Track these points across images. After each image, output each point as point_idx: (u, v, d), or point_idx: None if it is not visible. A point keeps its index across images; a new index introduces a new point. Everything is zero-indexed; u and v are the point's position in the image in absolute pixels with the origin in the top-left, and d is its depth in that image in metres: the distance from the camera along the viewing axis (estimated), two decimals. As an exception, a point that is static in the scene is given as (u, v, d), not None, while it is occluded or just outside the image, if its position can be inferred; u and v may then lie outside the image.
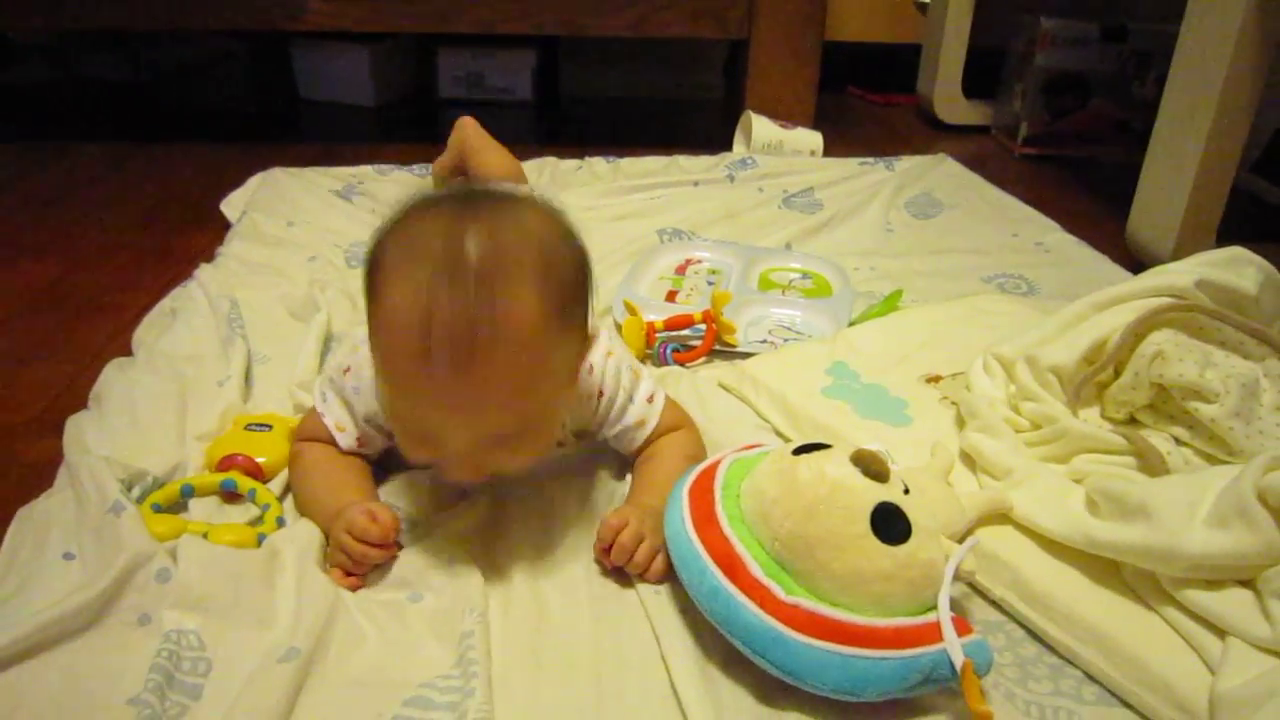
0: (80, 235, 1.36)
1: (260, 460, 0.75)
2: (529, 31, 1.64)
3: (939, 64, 1.95)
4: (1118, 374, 0.79)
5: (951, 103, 1.98)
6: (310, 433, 0.75)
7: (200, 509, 0.73)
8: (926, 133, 2.01)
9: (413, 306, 0.57)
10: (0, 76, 2.21)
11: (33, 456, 0.83)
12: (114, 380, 0.87)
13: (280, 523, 0.69)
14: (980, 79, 1.97)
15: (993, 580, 0.66)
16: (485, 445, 0.63)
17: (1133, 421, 0.80)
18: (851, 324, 1.01)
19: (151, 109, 2.11)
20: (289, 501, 0.74)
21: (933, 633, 0.56)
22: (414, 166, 1.50)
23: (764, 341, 1.00)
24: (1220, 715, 0.53)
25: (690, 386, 0.89)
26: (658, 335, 0.97)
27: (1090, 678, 0.60)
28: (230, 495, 0.73)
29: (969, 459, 0.76)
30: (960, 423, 0.81)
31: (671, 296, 1.13)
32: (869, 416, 0.82)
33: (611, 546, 0.66)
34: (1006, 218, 1.39)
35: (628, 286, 1.13)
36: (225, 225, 1.35)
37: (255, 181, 1.42)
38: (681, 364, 0.95)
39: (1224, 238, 1.21)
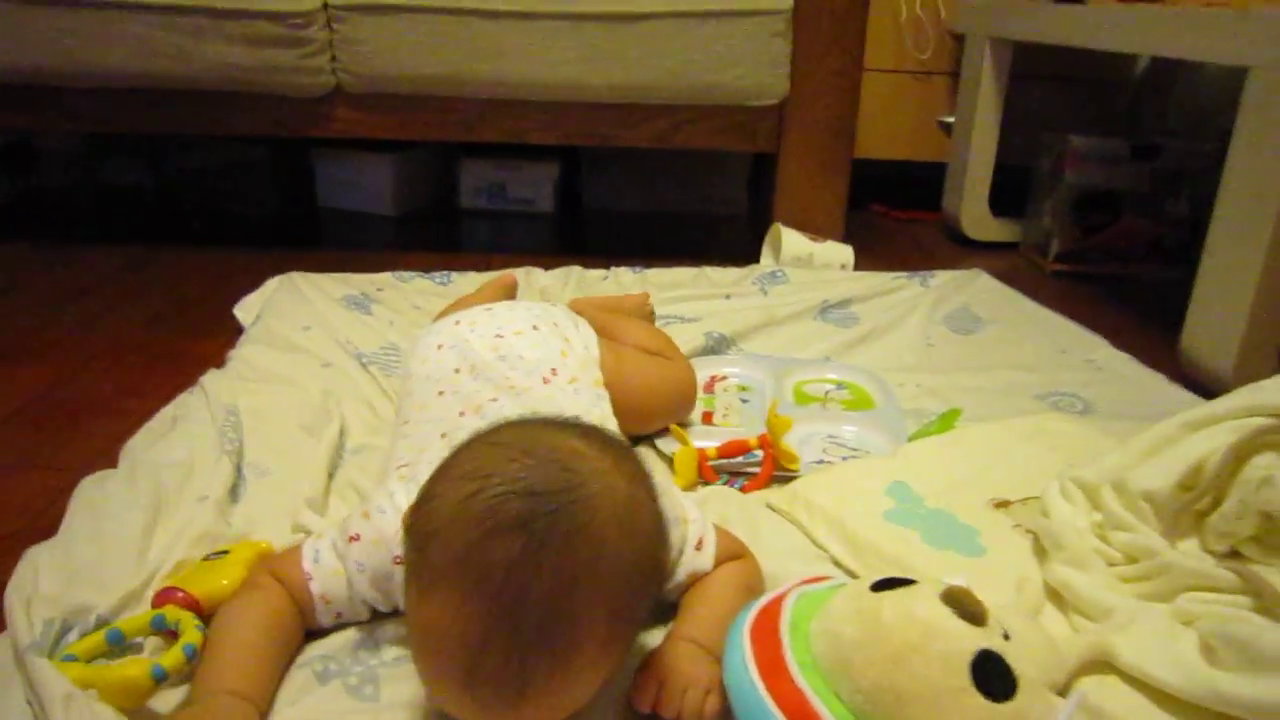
0: (86, 338, 1.31)
1: (209, 589, 0.66)
2: (556, 142, 1.62)
3: (965, 182, 1.93)
4: (1216, 502, 0.71)
5: (979, 220, 1.95)
6: (281, 574, 0.65)
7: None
8: (953, 249, 1.98)
9: (460, 640, 0.50)
10: (22, 182, 2.21)
11: (6, 578, 0.75)
12: (85, 495, 0.79)
13: (188, 653, 0.59)
14: (1006, 196, 1.95)
15: (1100, 741, 0.57)
16: None
17: (1235, 555, 0.71)
18: (907, 441, 0.94)
19: (170, 214, 2.09)
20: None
21: None
22: (435, 274, 1.46)
23: (819, 462, 0.92)
24: None
25: (739, 509, 0.81)
26: (710, 464, 0.90)
27: None
28: (162, 632, 0.64)
29: (1057, 596, 0.68)
30: (1040, 553, 0.73)
31: (708, 418, 1.05)
32: (939, 546, 0.74)
33: (657, 700, 0.57)
34: (1051, 333, 1.33)
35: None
36: (237, 330, 1.30)
37: (272, 285, 1.38)
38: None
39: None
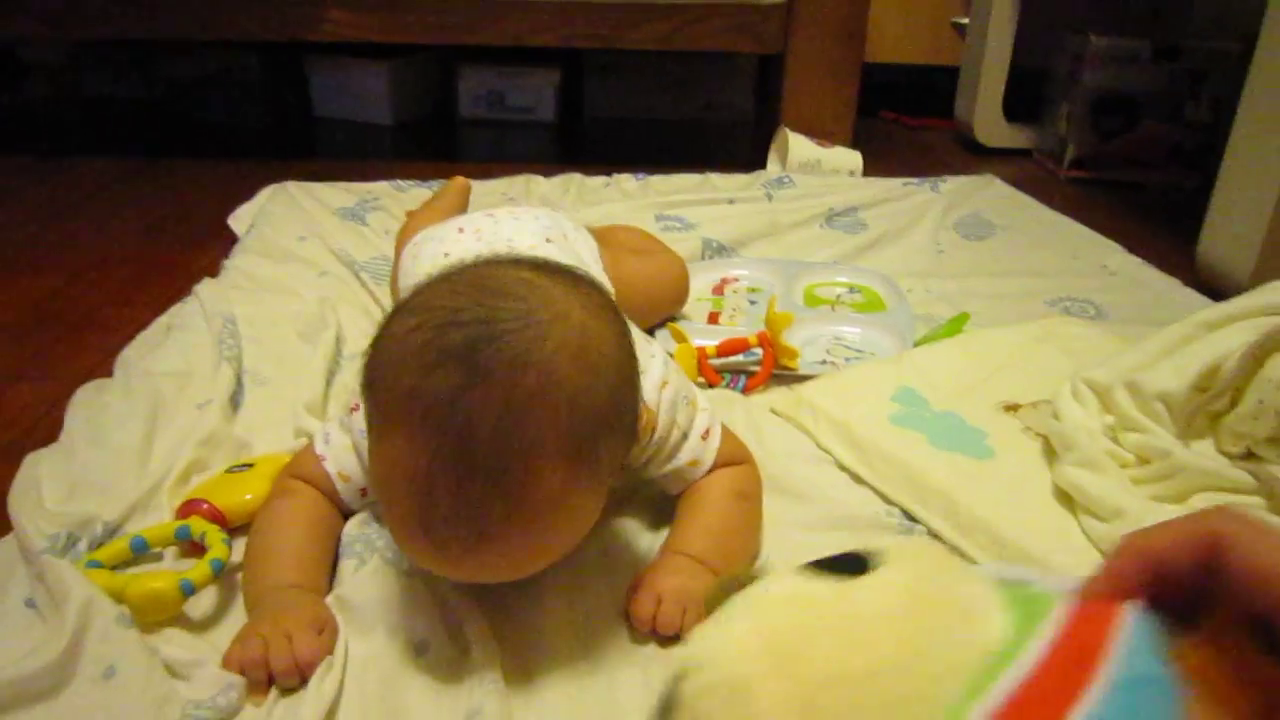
0: (80, 249, 1.29)
1: (232, 502, 0.65)
2: (558, 44, 1.57)
3: (979, 86, 1.87)
4: (1234, 402, 0.69)
5: (992, 125, 1.90)
6: (303, 472, 0.65)
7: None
8: (966, 156, 1.93)
9: (414, 480, 0.48)
10: (8, 95, 2.16)
11: (7, 485, 0.74)
12: (82, 404, 0.78)
13: (215, 567, 0.58)
14: (1020, 101, 1.89)
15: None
16: None
17: (1251, 455, 0.70)
18: (915, 345, 0.92)
19: (161, 125, 2.05)
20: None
21: None
22: (432, 183, 1.42)
23: (824, 363, 0.91)
24: None
25: (743, 412, 0.80)
26: (710, 362, 0.88)
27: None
28: (189, 545, 0.63)
29: (1066, 497, 0.67)
30: (1049, 456, 0.72)
31: (714, 318, 1.04)
32: (946, 448, 0.73)
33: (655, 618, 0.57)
34: (1064, 239, 1.30)
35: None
36: (232, 241, 1.27)
37: (265, 194, 1.35)
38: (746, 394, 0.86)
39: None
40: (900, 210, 1.37)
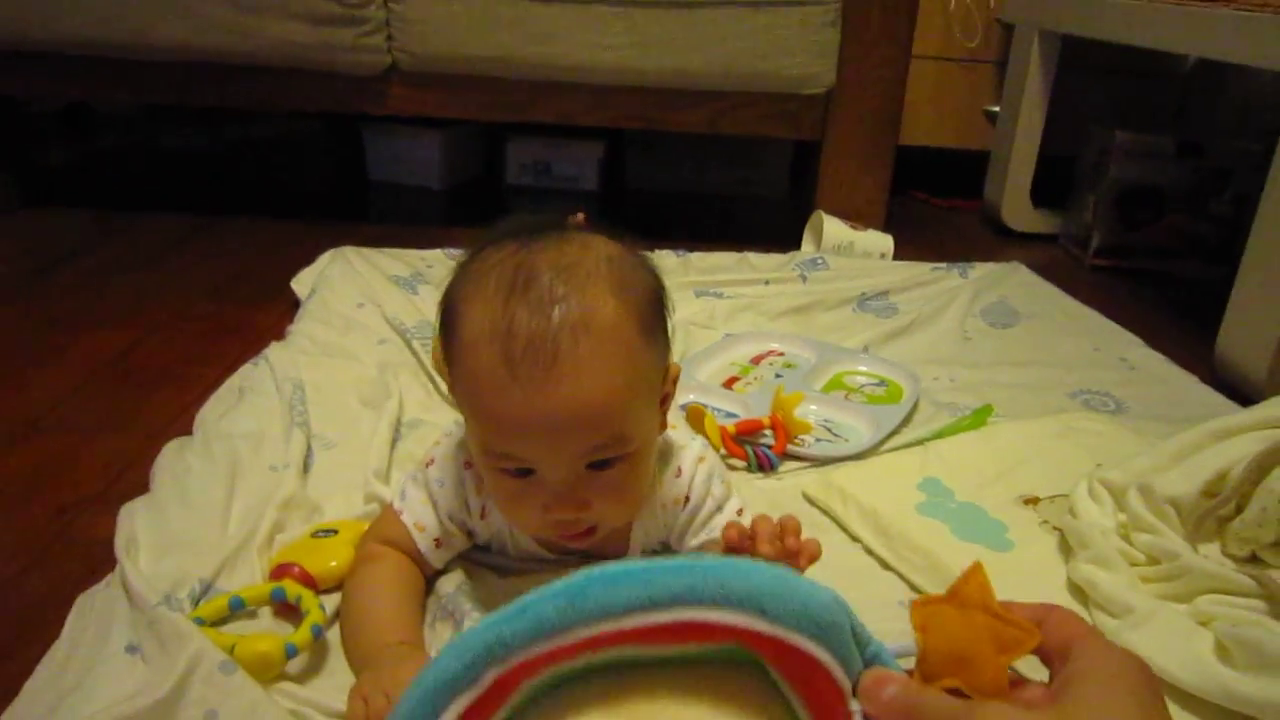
0: (151, 308, 1.37)
1: (321, 569, 0.71)
2: (604, 124, 1.65)
3: (1008, 172, 1.94)
4: (1239, 509, 0.74)
5: (1020, 210, 1.96)
6: (384, 534, 0.72)
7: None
8: (992, 239, 1.98)
9: (491, 321, 0.58)
10: (82, 145, 2.28)
11: (95, 534, 0.80)
12: (168, 462, 0.85)
13: (315, 631, 0.64)
14: (1047, 187, 1.95)
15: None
16: (581, 474, 0.61)
17: (1255, 560, 0.74)
18: (939, 436, 0.97)
19: (225, 182, 2.15)
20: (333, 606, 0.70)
21: None
22: (483, 252, 1.50)
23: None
24: None
25: (769, 500, 0.85)
26: (731, 438, 0.94)
27: None
28: (281, 605, 0.69)
29: (1080, 592, 0.71)
30: (1065, 550, 0.76)
31: (730, 383, 1.11)
32: (968, 540, 0.78)
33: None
34: (1086, 330, 1.35)
35: (688, 369, 1.12)
36: (294, 302, 1.35)
37: (325, 259, 1.42)
38: (775, 457, 0.92)
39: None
40: (930, 295, 1.42)
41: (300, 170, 2.31)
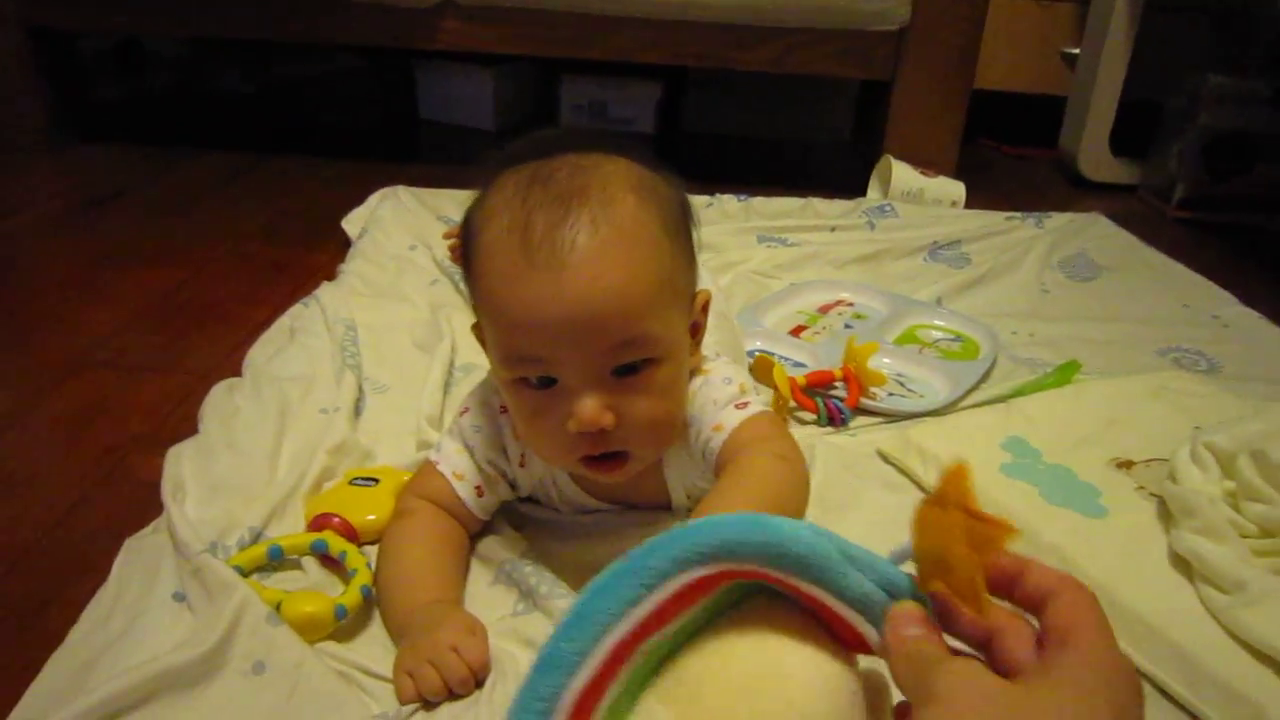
0: (200, 246, 1.34)
1: (359, 521, 0.68)
2: (668, 61, 1.59)
3: (1087, 118, 1.84)
4: (1365, 479, 0.68)
5: (1098, 159, 1.86)
6: (423, 489, 0.68)
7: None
8: (1067, 189, 1.89)
9: (508, 219, 0.56)
10: (132, 82, 2.26)
11: (145, 474, 0.78)
12: (216, 405, 0.83)
13: (365, 593, 0.62)
14: (1127, 135, 1.85)
15: (1225, 714, 0.56)
16: (606, 380, 0.57)
17: (1379, 535, 0.68)
18: (1021, 393, 0.92)
19: (274, 121, 2.12)
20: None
21: None
22: (537, 193, 1.45)
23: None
24: None
25: (841, 458, 0.80)
26: (801, 390, 0.89)
27: None
28: (323, 558, 0.66)
29: (1184, 565, 0.66)
30: (1165, 518, 0.71)
31: (798, 331, 1.07)
32: (1059, 504, 0.73)
33: None
34: (1174, 285, 1.28)
35: (753, 315, 1.07)
36: (344, 242, 1.31)
37: (376, 199, 1.39)
38: (848, 410, 0.88)
39: None
40: (1004, 245, 1.35)
41: (351, 109, 2.26)
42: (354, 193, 1.45)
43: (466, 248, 0.60)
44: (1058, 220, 1.45)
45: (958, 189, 1.54)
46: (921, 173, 1.54)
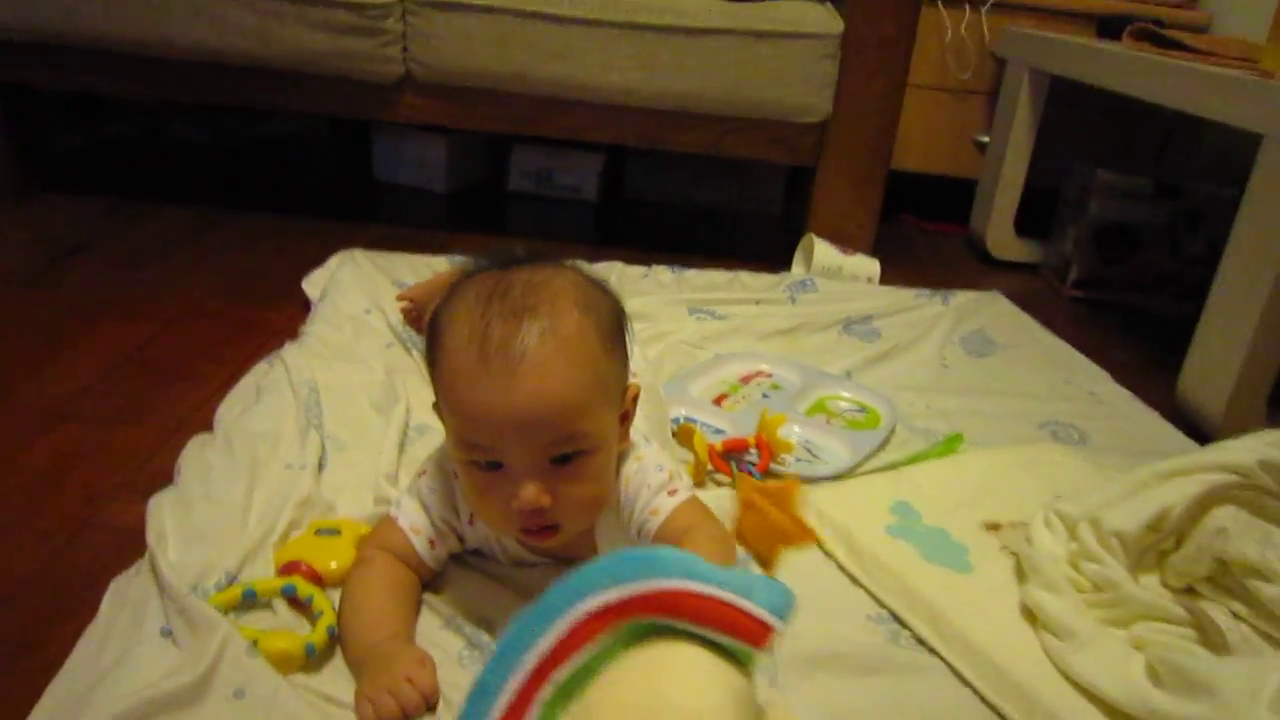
0: (165, 302, 1.42)
1: (324, 568, 0.77)
2: (608, 141, 1.72)
3: (994, 201, 2.01)
4: (1179, 544, 0.81)
5: (1003, 239, 2.03)
6: (383, 540, 0.77)
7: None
8: (976, 266, 2.06)
9: (470, 325, 0.66)
10: (91, 132, 2.32)
11: (124, 520, 0.86)
12: (192, 458, 0.92)
13: (331, 633, 0.71)
14: (1032, 218, 2.02)
15: (1053, 742, 0.68)
16: (545, 467, 0.67)
17: (1190, 591, 0.81)
18: (911, 461, 1.04)
19: (233, 176, 2.20)
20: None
21: None
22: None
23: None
24: None
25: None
26: (718, 455, 1.01)
27: None
28: (291, 600, 0.75)
29: (1030, 615, 0.78)
30: (1020, 574, 0.83)
31: (720, 399, 1.18)
32: (933, 561, 0.84)
33: None
34: (1059, 363, 1.42)
35: (680, 384, 1.19)
36: (303, 301, 1.40)
37: (335, 262, 1.48)
38: (758, 474, 0.98)
39: (1278, 403, 1.24)
40: (912, 321, 1.49)
41: (307, 168, 2.36)
42: (312, 251, 1.54)
43: (431, 344, 0.70)
44: (961, 298, 1.59)
45: (873, 266, 1.68)
46: (841, 251, 1.69)
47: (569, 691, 0.52)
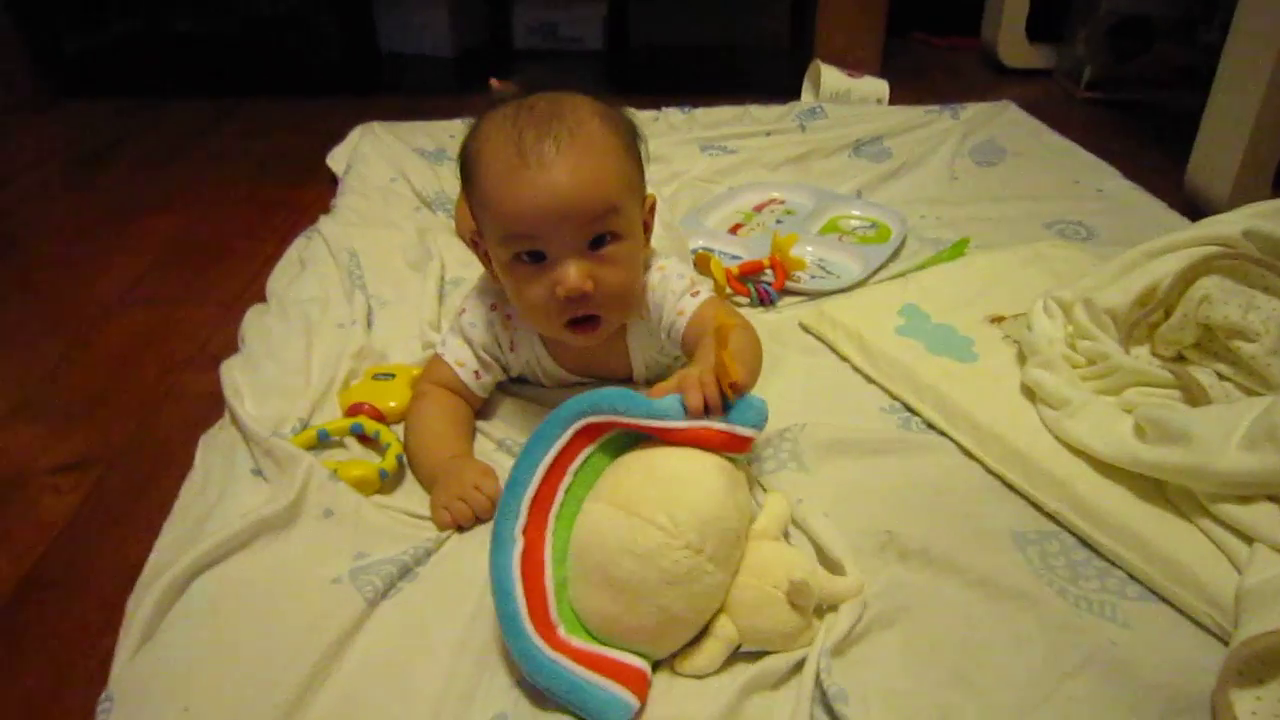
0: (198, 191, 1.49)
1: (384, 407, 0.86)
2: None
3: (1003, 7, 1.98)
4: (1168, 315, 0.86)
5: (1015, 47, 2.01)
6: (433, 376, 0.85)
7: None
8: (990, 77, 2.04)
9: (502, 138, 0.72)
10: (96, 33, 2.33)
11: (200, 387, 0.96)
12: (253, 325, 1.00)
13: (400, 460, 0.80)
14: (1044, 22, 1.99)
15: (1049, 495, 0.75)
16: (584, 252, 0.73)
17: (1180, 359, 0.87)
18: (920, 268, 1.09)
19: (240, 61, 2.21)
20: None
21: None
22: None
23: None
24: (1244, 606, 0.62)
25: (770, 330, 0.98)
26: (734, 278, 1.07)
27: (1133, 578, 0.69)
28: (360, 437, 0.84)
29: (1029, 391, 0.85)
30: (1022, 359, 0.89)
31: (736, 229, 1.24)
32: (939, 354, 0.91)
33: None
34: (1067, 164, 1.44)
35: (696, 218, 1.24)
36: (330, 177, 1.46)
37: (355, 135, 1.52)
38: (775, 293, 1.05)
39: (1283, 184, 1.27)
40: (922, 138, 1.51)
41: (313, 44, 2.35)
42: (330, 128, 1.58)
43: (465, 165, 0.76)
44: (971, 110, 1.60)
45: (881, 87, 1.69)
46: (848, 74, 1.69)
47: (584, 480, 0.66)
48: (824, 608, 0.65)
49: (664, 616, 0.60)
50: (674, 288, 0.82)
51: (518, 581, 0.61)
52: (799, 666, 0.61)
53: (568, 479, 0.66)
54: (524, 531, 0.63)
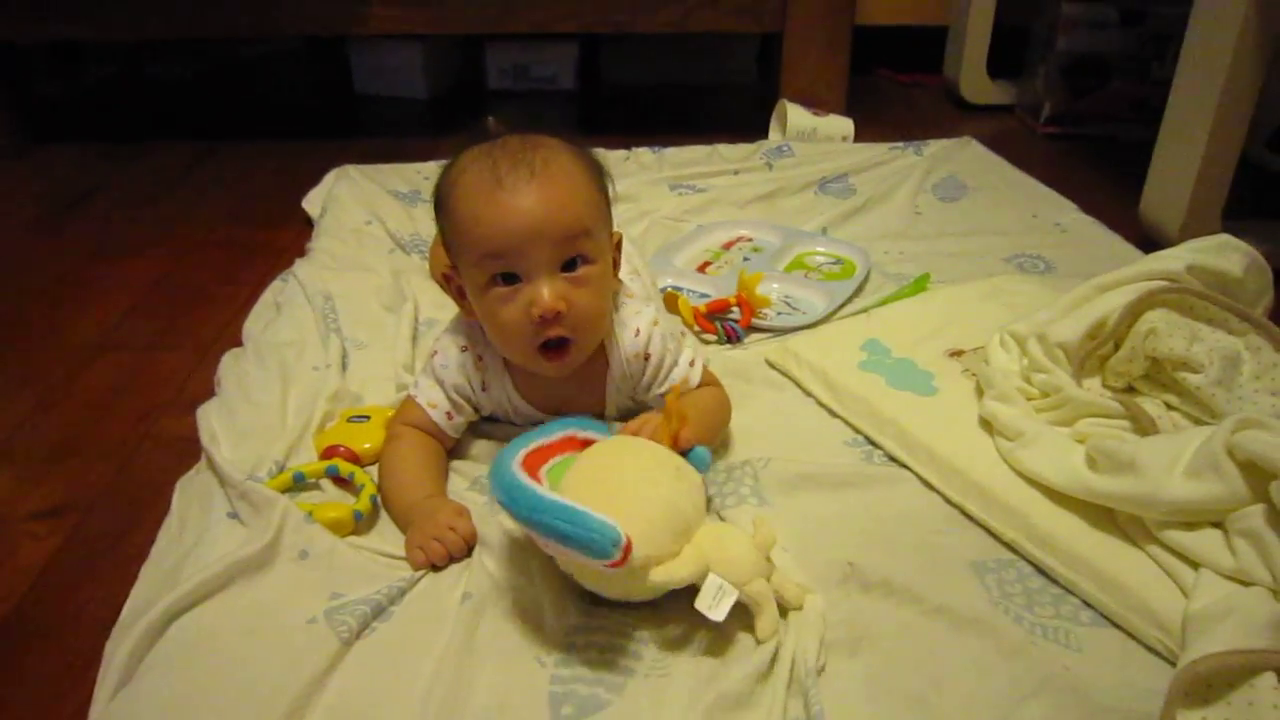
0: (175, 235, 1.50)
1: (360, 449, 0.87)
2: (578, 30, 1.75)
3: (964, 45, 2.03)
4: (1117, 348, 0.90)
5: (976, 83, 2.06)
6: (406, 418, 0.87)
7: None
8: (952, 113, 2.09)
9: (478, 170, 0.76)
10: (73, 79, 2.35)
11: (178, 431, 0.97)
12: (229, 370, 1.01)
13: (374, 501, 0.81)
14: (1005, 59, 2.05)
15: (1005, 525, 0.78)
16: (556, 275, 0.77)
17: (1130, 390, 0.91)
18: (883, 304, 1.13)
19: (218, 107, 2.24)
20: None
21: None
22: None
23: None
24: (1190, 630, 0.65)
25: (736, 367, 1.01)
26: (702, 315, 1.09)
27: (1086, 604, 0.71)
28: (335, 479, 0.85)
29: (987, 424, 0.88)
30: (980, 392, 0.92)
31: (704, 267, 1.26)
32: (900, 388, 0.94)
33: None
34: (1027, 198, 1.48)
35: (665, 256, 1.27)
36: (305, 220, 1.48)
37: (330, 179, 1.55)
38: (741, 330, 1.08)
39: (1236, 214, 1.30)
40: (885, 174, 1.55)
41: (289, 88, 2.39)
42: (306, 172, 1.60)
43: (441, 196, 0.80)
44: (934, 147, 1.64)
45: (846, 125, 1.73)
46: (814, 113, 1.73)
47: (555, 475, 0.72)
48: (788, 610, 0.69)
49: (666, 507, 0.67)
50: (672, 350, 0.88)
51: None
52: (766, 677, 0.64)
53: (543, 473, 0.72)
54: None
